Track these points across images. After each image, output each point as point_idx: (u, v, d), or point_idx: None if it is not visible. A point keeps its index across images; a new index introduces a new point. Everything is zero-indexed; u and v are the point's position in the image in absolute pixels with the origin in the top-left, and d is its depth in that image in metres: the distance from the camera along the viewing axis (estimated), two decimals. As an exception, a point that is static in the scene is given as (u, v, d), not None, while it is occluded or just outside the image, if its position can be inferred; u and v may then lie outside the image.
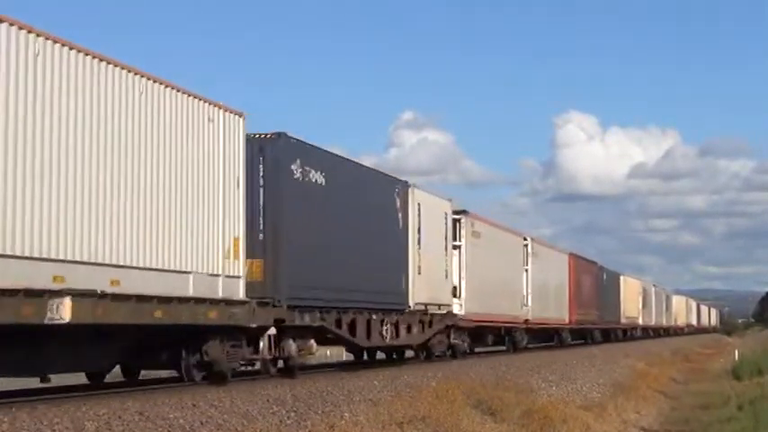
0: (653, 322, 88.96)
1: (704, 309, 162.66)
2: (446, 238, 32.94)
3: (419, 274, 29.67)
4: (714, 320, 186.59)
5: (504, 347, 43.05)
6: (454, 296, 33.78)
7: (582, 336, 60.17)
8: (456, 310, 33.79)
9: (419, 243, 29.87)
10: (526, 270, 43.50)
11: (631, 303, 75.74)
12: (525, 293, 43.24)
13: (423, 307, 30.25)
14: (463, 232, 35.39)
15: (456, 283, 34.22)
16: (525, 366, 32.13)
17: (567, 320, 51.96)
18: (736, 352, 58.77)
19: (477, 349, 39.56)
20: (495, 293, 38.50)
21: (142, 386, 20.26)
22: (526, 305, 43.07)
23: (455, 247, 34.29)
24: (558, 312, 49.90)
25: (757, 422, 25.43)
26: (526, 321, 43.44)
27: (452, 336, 34.19)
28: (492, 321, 38.70)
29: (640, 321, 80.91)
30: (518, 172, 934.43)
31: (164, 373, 22.76)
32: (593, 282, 60.37)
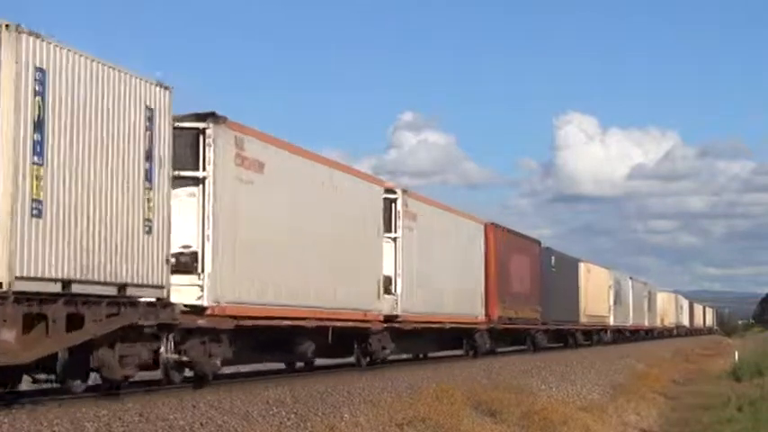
0: (629, 322, 75.61)
1: (698, 308, 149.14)
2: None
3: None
4: (710, 321, 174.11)
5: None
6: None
7: (518, 339, 46.78)
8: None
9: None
10: (394, 240, 29.57)
11: (597, 298, 61.96)
12: (390, 277, 29.35)
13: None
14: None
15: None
16: (525, 367, 32.13)
17: (480, 318, 38.46)
18: (736, 353, 58.74)
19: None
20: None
21: (142, 387, 20.25)
22: (392, 294, 29.29)
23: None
24: (460, 306, 35.89)
25: (757, 423, 25.44)
26: (388, 319, 28.80)
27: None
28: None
29: (611, 321, 66.95)
30: (518, 173, 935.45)
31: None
32: (532, 266, 46.28)
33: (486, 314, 38.85)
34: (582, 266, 59.30)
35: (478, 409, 21.53)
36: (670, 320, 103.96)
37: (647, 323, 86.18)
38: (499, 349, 43.33)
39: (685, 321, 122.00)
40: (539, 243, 49.41)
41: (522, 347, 46.98)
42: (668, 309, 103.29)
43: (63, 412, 13.82)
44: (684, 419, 29.43)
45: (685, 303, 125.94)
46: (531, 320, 46.13)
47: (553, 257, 52.27)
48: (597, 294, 62.30)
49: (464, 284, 36.45)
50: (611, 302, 67.03)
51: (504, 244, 41.58)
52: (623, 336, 74.04)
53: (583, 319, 58.07)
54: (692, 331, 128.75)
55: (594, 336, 62.78)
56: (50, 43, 14.78)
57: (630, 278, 78.82)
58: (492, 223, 40.89)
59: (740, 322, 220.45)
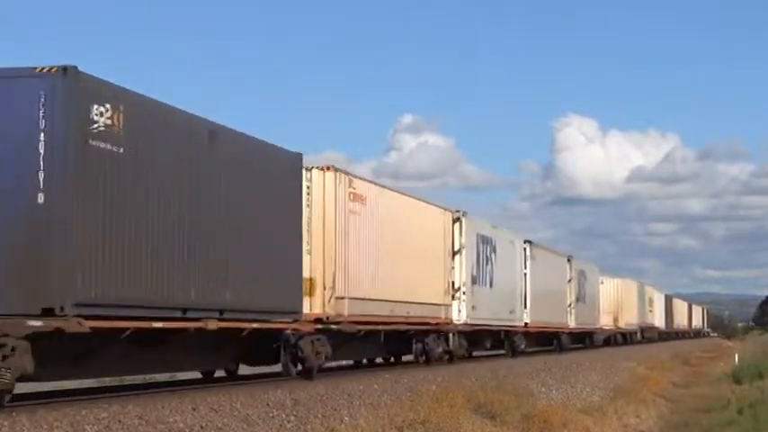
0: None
1: (680, 304, 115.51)
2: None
3: None
4: (699, 321, 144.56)
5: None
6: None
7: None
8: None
9: None
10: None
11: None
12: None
13: None
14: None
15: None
16: (525, 370, 32.14)
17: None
18: (736, 356, 58.74)
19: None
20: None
21: (143, 389, 20.26)
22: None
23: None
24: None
25: (757, 425, 25.43)
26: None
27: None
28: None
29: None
30: (518, 175, 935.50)
31: (163, 377, 22.76)
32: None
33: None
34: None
35: (478, 412, 21.54)
36: (631, 319, 73.13)
37: (589, 323, 58.07)
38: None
39: (658, 321, 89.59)
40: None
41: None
42: (629, 304, 72.21)
43: (63, 415, 13.82)
44: (684, 422, 29.42)
45: (660, 298, 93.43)
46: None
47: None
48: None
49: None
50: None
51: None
52: (533, 341, 47.06)
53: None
54: (670, 335, 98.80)
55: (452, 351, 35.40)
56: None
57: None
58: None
59: (740, 325, 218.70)
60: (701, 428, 27.56)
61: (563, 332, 52.55)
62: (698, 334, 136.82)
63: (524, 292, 43.89)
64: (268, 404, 17.28)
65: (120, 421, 13.97)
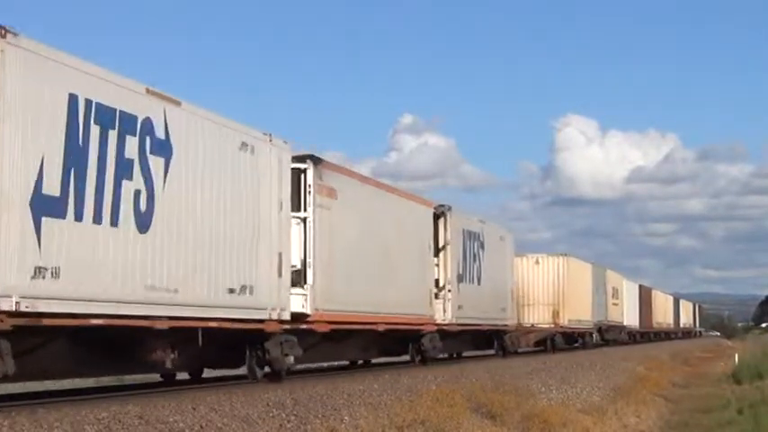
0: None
1: (660, 297, 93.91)
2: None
3: None
4: (688, 319, 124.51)
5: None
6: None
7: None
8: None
9: None
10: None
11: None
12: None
13: None
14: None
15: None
16: (525, 370, 32.14)
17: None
18: (736, 356, 58.72)
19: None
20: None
21: (143, 389, 20.27)
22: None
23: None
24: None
25: (757, 426, 25.43)
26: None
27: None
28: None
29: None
30: (517, 176, 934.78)
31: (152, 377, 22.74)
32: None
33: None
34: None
35: (478, 412, 21.55)
36: (579, 315, 52.55)
37: (442, 316, 35.94)
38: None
39: (629, 318, 70.83)
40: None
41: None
42: (571, 291, 50.52)
43: (63, 415, 13.82)
44: (684, 422, 29.43)
45: (629, 287, 72.82)
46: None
47: None
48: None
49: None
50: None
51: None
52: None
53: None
54: (644, 336, 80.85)
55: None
56: None
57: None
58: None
59: (740, 324, 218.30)
60: (701, 428, 27.57)
61: (424, 330, 32.43)
62: (688, 334, 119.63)
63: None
64: (268, 404, 17.29)
65: (120, 421, 13.98)
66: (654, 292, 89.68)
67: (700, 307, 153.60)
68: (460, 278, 34.97)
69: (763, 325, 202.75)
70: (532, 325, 48.75)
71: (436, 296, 32.97)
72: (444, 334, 33.62)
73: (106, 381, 21.67)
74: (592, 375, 35.19)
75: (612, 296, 64.76)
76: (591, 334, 57.76)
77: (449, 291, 33.76)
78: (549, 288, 49.76)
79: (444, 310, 33.54)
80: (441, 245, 33.59)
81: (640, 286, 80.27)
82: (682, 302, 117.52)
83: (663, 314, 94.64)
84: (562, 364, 36.97)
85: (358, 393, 20.28)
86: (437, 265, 33.29)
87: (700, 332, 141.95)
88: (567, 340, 53.27)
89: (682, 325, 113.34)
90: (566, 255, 51.69)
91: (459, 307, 34.48)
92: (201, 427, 14.85)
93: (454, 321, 34.11)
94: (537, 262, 50.02)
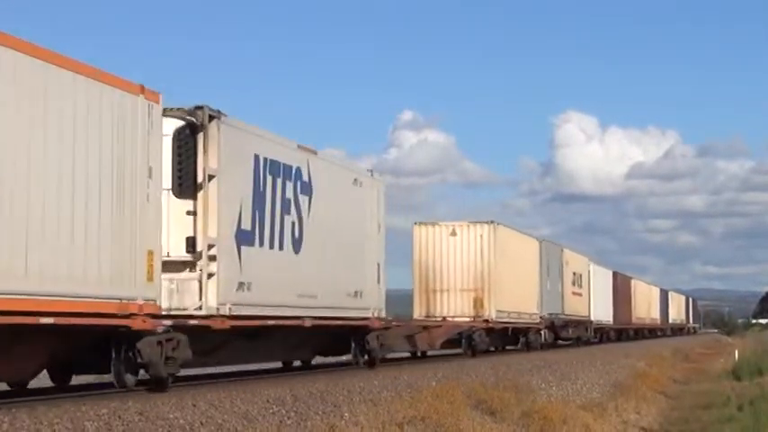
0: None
1: (647, 290, 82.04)
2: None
3: None
4: (679, 314, 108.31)
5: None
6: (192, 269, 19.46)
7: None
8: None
9: None
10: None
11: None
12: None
13: None
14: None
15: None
16: (525, 366, 32.17)
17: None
18: (736, 352, 58.78)
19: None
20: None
21: (142, 386, 20.26)
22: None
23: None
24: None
25: (757, 422, 25.44)
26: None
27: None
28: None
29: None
30: (517, 172, 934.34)
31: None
32: None
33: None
34: None
35: (478, 408, 21.56)
36: (517, 306, 40.45)
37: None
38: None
39: (597, 314, 58.23)
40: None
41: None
42: (506, 273, 38.73)
43: (63, 411, 13.81)
44: (684, 418, 29.46)
45: (599, 273, 60.12)
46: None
47: None
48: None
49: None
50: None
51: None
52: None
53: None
54: (620, 333, 68.11)
55: None
56: None
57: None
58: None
59: (740, 321, 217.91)
60: (700, 425, 27.58)
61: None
62: (680, 331, 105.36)
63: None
64: (268, 400, 17.28)
65: (120, 417, 13.97)
66: (634, 281, 75.47)
67: (694, 301, 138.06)
68: (246, 238, 21.34)
69: (763, 321, 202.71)
70: (443, 318, 36.82)
71: (185, 265, 20.04)
72: (199, 333, 19.53)
73: (106, 377, 21.63)
74: (592, 372, 35.23)
75: (574, 283, 51.91)
76: (538, 331, 44.82)
77: (213, 258, 20.05)
78: (469, 268, 37.69)
79: (202, 292, 19.96)
80: (199, 178, 20.04)
81: (615, 273, 66.36)
82: (672, 295, 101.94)
83: (646, 308, 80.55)
84: (563, 361, 37.00)
85: (358, 390, 20.27)
86: (191, 212, 20.03)
87: (694, 329, 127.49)
88: (499, 338, 40.78)
89: (671, 321, 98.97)
90: (493, 222, 38.65)
91: (241, 286, 21.01)
92: (202, 423, 14.84)
93: (225, 312, 20.31)
94: (453, 233, 37.87)
